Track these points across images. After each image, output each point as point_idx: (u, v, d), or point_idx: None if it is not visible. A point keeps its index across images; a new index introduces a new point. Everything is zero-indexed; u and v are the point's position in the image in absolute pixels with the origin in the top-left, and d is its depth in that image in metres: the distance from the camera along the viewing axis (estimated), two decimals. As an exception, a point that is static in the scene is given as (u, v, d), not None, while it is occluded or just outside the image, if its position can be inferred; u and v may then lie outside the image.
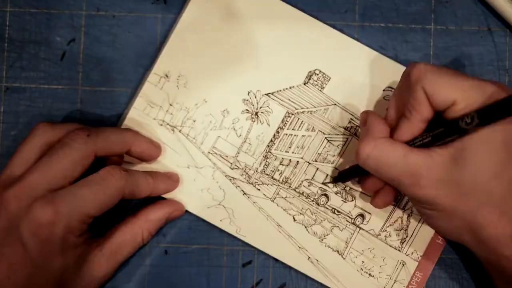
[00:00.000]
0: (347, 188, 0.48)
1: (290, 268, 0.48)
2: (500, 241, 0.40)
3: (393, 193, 0.45)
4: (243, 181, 0.48)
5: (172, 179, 0.47)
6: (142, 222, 0.45)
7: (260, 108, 0.49)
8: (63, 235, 0.41)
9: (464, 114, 0.39)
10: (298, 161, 0.49)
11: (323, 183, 0.48)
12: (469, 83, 0.40)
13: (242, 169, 0.48)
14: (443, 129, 0.40)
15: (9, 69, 0.49)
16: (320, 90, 0.48)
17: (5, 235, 0.40)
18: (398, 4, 0.50)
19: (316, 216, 0.48)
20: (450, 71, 0.41)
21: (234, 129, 0.49)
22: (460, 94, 0.39)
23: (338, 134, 0.48)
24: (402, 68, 0.48)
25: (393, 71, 0.48)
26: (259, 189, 0.48)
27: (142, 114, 0.48)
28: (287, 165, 0.49)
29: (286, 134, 0.49)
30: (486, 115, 0.38)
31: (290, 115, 0.49)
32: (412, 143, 0.42)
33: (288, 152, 0.49)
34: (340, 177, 0.48)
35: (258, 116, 0.49)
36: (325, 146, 0.48)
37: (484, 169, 0.39)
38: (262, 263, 0.48)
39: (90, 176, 0.42)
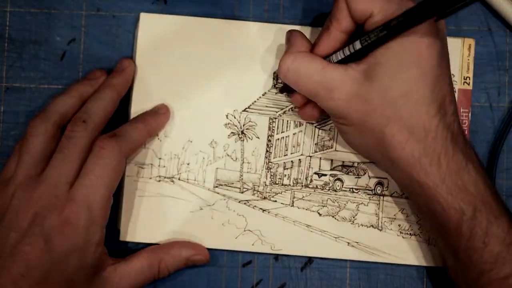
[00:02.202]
0: (356, 164, 0.49)
1: (290, 267, 0.48)
2: (409, 163, 0.40)
3: (317, 108, 0.45)
4: (257, 200, 0.48)
5: (161, 112, 0.48)
6: (163, 253, 0.45)
7: (243, 126, 0.49)
8: (86, 228, 0.41)
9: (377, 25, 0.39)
10: (299, 159, 0.49)
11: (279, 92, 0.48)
12: None
13: (252, 189, 0.48)
14: (357, 41, 0.40)
15: (9, 69, 0.49)
16: (291, 85, 0.49)
17: (26, 233, 0.41)
18: None
19: (338, 202, 0.48)
20: None
21: (228, 155, 0.48)
22: (378, 6, 0.40)
23: (325, 119, 0.49)
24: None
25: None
26: (275, 201, 0.48)
27: (137, 179, 0.48)
28: (291, 167, 0.49)
29: (278, 139, 0.49)
30: (394, 24, 0.38)
31: (274, 120, 0.49)
32: (330, 58, 0.42)
33: (287, 155, 0.49)
34: (284, 89, 0.48)
35: (245, 134, 0.49)
36: (318, 135, 0.49)
37: (393, 85, 0.39)
38: (262, 263, 0.48)
39: (88, 160, 0.43)
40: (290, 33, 0.45)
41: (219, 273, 0.48)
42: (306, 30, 0.48)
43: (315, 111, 0.46)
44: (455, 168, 0.40)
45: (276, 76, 0.49)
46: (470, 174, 0.40)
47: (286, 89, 0.47)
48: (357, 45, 0.40)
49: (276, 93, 0.48)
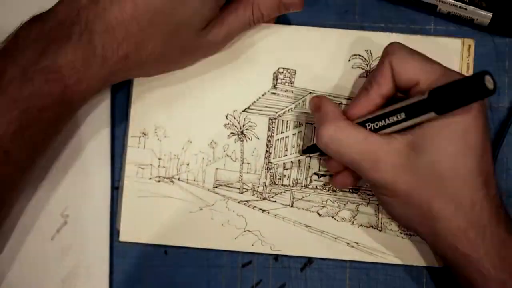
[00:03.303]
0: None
1: (290, 268, 0.48)
2: (455, 235, 0.40)
3: (352, 176, 0.45)
4: (257, 200, 0.48)
5: None
6: None
7: (243, 126, 0.49)
8: None
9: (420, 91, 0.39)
10: (299, 160, 0.49)
11: (301, 154, 0.48)
12: (436, 67, 0.40)
13: (251, 189, 0.48)
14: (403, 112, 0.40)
15: None
16: (291, 85, 0.49)
17: None
18: (398, 4, 0.50)
19: (338, 202, 0.48)
20: (422, 55, 0.41)
21: (227, 155, 0.48)
22: (425, 75, 0.40)
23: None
24: (356, 33, 0.49)
25: (350, 38, 0.49)
26: (275, 201, 0.48)
27: (136, 179, 0.48)
28: (291, 168, 0.49)
29: (278, 140, 0.49)
30: (438, 95, 0.37)
31: (274, 120, 0.49)
32: (366, 123, 0.41)
33: (286, 155, 0.49)
34: (308, 150, 0.47)
35: (244, 134, 0.49)
36: (318, 135, 0.49)
37: (441, 159, 0.39)
38: (262, 264, 0.48)
39: None
40: (318, 99, 0.44)
41: (219, 273, 0.48)
42: (300, 30, 0.49)
43: (350, 179, 0.45)
44: (498, 240, 0.40)
45: (275, 77, 0.49)
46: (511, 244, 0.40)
47: (311, 151, 0.47)
48: (403, 115, 0.40)
49: (300, 154, 0.48)
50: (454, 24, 0.50)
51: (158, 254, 0.48)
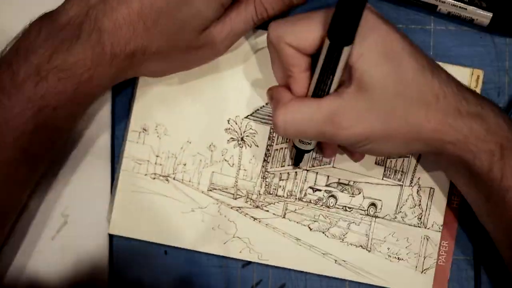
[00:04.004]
0: (351, 183, 0.48)
1: (290, 268, 0.48)
2: (437, 131, 0.41)
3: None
4: (249, 208, 0.48)
5: None
6: None
7: (244, 132, 0.49)
8: None
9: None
10: (296, 172, 0.49)
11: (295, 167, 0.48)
12: (318, 19, 0.39)
13: (245, 196, 0.48)
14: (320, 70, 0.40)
15: None
16: (296, 97, 0.48)
17: None
18: (398, 4, 0.50)
19: (330, 219, 0.48)
20: (296, 17, 0.41)
21: (225, 160, 0.48)
22: (323, 31, 0.39)
23: None
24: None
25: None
26: (267, 210, 0.48)
27: (132, 174, 0.48)
28: (287, 179, 0.49)
29: (277, 150, 0.49)
30: (334, 32, 0.37)
31: (275, 130, 0.49)
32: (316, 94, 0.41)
33: (283, 166, 0.49)
34: (296, 160, 0.47)
35: (244, 140, 0.49)
36: (317, 150, 0.48)
37: (387, 80, 0.39)
38: (262, 264, 0.48)
39: None
40: (271, 90, 0.44)
41: (219, 274, 0.48)
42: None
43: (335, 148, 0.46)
44: (475, 113, 0.41)
45: (281, 87, 0.48)
46: (489, 115, 0.41)
47: (299, 158, 0.47)
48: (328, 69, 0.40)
49: (295, 168, 0.49)
50: (454, 24, 0.50)
51: (158, 254, 0.48)
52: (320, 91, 0.41)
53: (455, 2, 0.48)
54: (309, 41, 0.40)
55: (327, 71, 0.39)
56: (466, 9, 0.48)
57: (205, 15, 0.42)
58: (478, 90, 0.48)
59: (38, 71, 0.39)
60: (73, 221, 0.48)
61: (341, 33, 0.37)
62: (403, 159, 0.48)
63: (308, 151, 0.46)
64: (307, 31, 0.40)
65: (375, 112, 0.40)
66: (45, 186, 0.47)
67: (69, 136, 0.46)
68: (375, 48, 0.39)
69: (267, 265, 0.48)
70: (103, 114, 0.48)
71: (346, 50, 0.38)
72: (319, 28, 0.39)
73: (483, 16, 0.48)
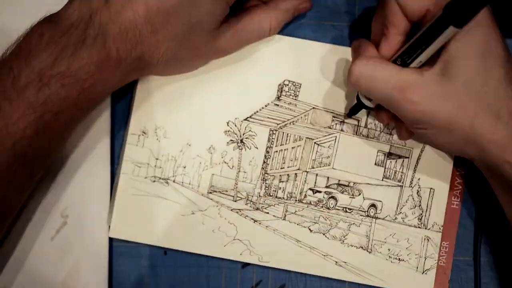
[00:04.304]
0: (351, 184, 0.48)
1: (286, 269, 0.48)
2: (499, 146, 0.40)
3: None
4: (249, 210, 0.48)
5: None
6: (271, 9, 0.46)
7: (243, 134, 0.49)
8: None
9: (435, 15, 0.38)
10: (296, 174, 0.49)
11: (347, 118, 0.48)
12: None
13: (245, 198, 0.48)
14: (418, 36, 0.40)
15: None
16: (295, 99, 0.49)
17: None
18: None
19: (330, 220, 0.48)
20: None
21: (225, 162, 0.48)
22: (431, 2, 0.40)
23: (325, 135, 0.48)
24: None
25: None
26: (267, 212, 0.48)
27: (132, 177, 0.48)
28: (287, 181, 0.49)
29: (276, 151, 0.49)
30: (451, 8, 0.37)
31: (274, 132, 0.49)
32: (398, 61, 0.42)
33: (283, 168, 0.49)
34: (352, 112, 0.47)
35: (244, 143, 0.49)
36: (317, 151, 0.48)
37: (472, 78, 0.40)
38: (262, 264, 0.48)
39: None
40: (358, 40, 0.45)
41: (219, 274, 0.48)
42: (310, 44, 0.49)
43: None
44: None
45: (280, 88, 0.48)
46: None
47: (355, 111, 0.47)
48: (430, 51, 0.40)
49: (344, 118, 0.49)
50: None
51: (158, 254, 0.48)
52: (406, 58, 0.41)
53: None
54: (418, 5, 0.40)
55: (422, 42, 0.39)
56: None
57: (214, 16, 0.42)
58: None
59: (40, 77, 0.38)
60: (73, 221, 0.48)
61: (459, 12, 0.36)
62: (403, 160, 0.48)
63: (367, 108, 0.46)
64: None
65: (449, 101, 0.40)
66: (45, 186, 0.47)
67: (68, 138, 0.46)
68: (476, 43, 0.39)
69: (267, 266, 0.48)
70: (103, 115, 0.48)
71: (451, 30, 0.38)
72: (434, 1, 0.40)
73: None
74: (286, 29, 0.49)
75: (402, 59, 0.41)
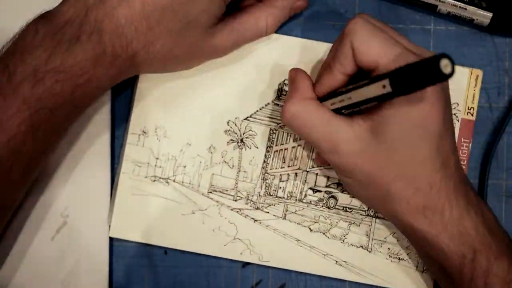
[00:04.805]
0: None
1: (286, 269, 0.48)
2: (412, 215, 0.41)
3: None
4: (250, 209, 0.48)
5: None
6: (267, 7, 0.46)
7: (243, 134, 0.49)
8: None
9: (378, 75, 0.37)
10: (296, 173, 0.49)
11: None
12: (397, 52, 0.39)
13: (245, 198, 0.48)
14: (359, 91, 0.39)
15: None
16: (295, 98, 0.49)
17: None
18: (398, 4, 0.50)
19: (330, 220, 0.48)
20: (388, 34, 0.40)
21: (225, 162, 0.48)
22: (384, 61, 0.39)
23: None
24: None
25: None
26: (267, 212, 0.48)
27: (132, 177, 0.48)
28: (287, 180, 0.49)
29: (277, 151, 0.49)
30: (394, 77, 0.35)
31: (274, 131, 0.49)
32: (329, 101, 0.41)
33: (283, 167, 0.49)
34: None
35: (244, 142, 0.49)
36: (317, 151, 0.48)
37: (399, 146, 0.39)
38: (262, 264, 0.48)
39: None
40: (294, 73, 0.44)
41: (219, 274, 0.48)
42: (309, 44, 0.49)
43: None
44: (457, 215, 0.40)
45: (280, 88, 0.49)
46: (471, 218, 0.41)
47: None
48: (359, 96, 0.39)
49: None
50: (454, 24, 0.50)
51: (158, 254, 0.48)
52: (339, 105, 0.41)
53: (455, 2, 0.48)
54: (369, 57, 0.39)
55: (362, 101, 0.39)
56: (466, 9, 0.48)
57: (210, 13, 0.42)
58: (477, 90, 0.48)
59: (35, 73, 0.38)
60: (73, 221, 0.48)
61: (402, 82, 0.35)
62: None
63: None
64: (379, 47, 0.39)
65: (372, 160, 0.40)
66: (45, 186, 0.47)
67: (66, 135, 0.45)
68: (413, 115, 0.39)
69: (267, 266, 0.48)
70: (103, 114, 0.48)
71: (387, 91, 0.36)
72: (389, 55, 0.39)
73: (483, 16, 0.48)
74: (286, 29, 0.49)
75: (334, 106, 0.41)
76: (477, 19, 0.48)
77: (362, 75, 0.41)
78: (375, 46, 0.39)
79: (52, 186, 0.48)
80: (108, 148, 0.48)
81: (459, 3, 0.48)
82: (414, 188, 0.40)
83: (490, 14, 0.48)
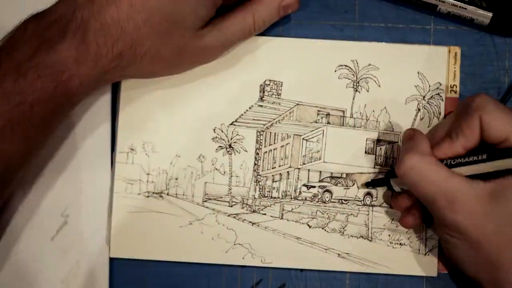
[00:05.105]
0: (344, 175, 0.48)
1: (290, 268, 0.48)
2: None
3: (420, 215, 0.45)
4: (246, 213, 0.48)
5: None
6: (254, 5, 0.45)
7: (231, 139, 0.48)
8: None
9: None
10: (288, 172, 0.49)
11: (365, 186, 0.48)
12: None
13: (241, 202, 0.48)
14: (485, 156, 0.40)
15: None
16: (278, 97, 0.49)
17: None
18: (398, 4, 0.50)
19: (327, 213, 0.48)
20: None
21: (216, 169, 0.48)
22: None
23: (312, 130, 0.48)
24: (341, 43, 0.49)
25: (336, 49, 0.49)
26: (264, 214, 0.48)
27: (126, 195, 0.48)
28: (280, 180, 0.49)
29: (266, 152, 0.49)
30: None
31: (261, 132, 0.49)
32: (448, 163, 0.42)
33: (275, 167, 0.49)
34: (373, 183, 0.48)
35: (232, 147, 0.49)
36: (306, 147, 0.49)
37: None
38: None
39: None
40: (413, 132, 0.44)
41: (219, 273, 0.48)
42: (286, 41, 0.49)
43: (418, 220, 0.46)
44: None
45: (262, 89, 0.48)
46: None
47: (376, 184, 0.47)
48: (484, 156, 0.40)
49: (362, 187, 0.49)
50: (454, 24, 0.50)
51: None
52: (458, 162, 0.41)
53: (455, 2, 0.48)
54: (500, 131, 0.40)
55: (480, 154, 0.40)
56: (466, 9, 0.48)
57: (198, 14, 0.42)
58: (457, 67, 0.48)
59: (18, 68, 0.39)
60: (73, 221, 0.48)
61: None
62: (392, 145, 0.49)
63: (391, 189, 0.46)
64: (505, 125, 0.40)
65: (486, 222, 0.40)
66: (45, 186, 0.47)
67: (52, 135, 0.44)
68: None
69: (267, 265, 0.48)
70: (103, 113, 0.48)
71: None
72: None
73: (483, 16, 0.48)
74: (286, 29, 0.49)
75: (451, 162, 0.42)
76: (477, 19, 0.48)
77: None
78: (505, 120, 0.40)
79: (52, 186, 0.48)
80: (108, 148, 0.48)
81: (459, 3, 0.48)
82: None
83: (490, 14, 0.47)
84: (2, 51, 0.40)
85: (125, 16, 0.40)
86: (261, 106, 0.48)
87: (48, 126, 0.42)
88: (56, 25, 0.40)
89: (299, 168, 0.49)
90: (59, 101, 0.40)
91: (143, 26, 0.40)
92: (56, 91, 0.39)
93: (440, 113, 0.48)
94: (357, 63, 0.48)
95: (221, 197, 0.48)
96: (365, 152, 0.49)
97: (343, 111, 0.49)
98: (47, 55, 0.39)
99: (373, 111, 0.48)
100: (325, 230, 0.48)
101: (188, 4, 0.41)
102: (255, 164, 0.49)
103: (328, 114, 0.48)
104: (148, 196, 0.48)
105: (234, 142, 0.48)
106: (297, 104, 0.49)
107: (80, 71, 0.40)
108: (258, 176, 0.49)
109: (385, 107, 0.48)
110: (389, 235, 0.48)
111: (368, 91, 0.48)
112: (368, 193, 0.48)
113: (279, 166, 0.49)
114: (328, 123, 0.49)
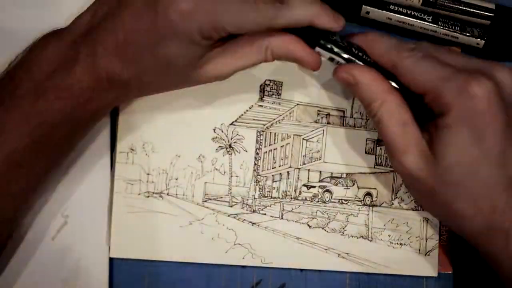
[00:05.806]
0: (344, 175, 0.48)
1: (290, 268, 0.48)
2: (476, 237, 0.41)
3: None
4: (246, 213, 0.48)
5: None
6: (271, 36, 0.41)
7: (231, 139, 0.49)
8: (189, 31, 0.38)
9: None
10: (288, 172, 0.49)
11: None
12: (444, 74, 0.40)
13: (241, 202, 0.48)
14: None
15: None
16: (278, 97, 0.49)
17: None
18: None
19: (327, 213, 0.48)
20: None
21: (216, 169, 0.48)
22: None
23: (312, 130, 0.48)
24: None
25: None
26: (264, 214, 0.48)
27: (126, 195, 0.48)
28: (280, 180, 0.49)
29: (266, 152, 0.49)
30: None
31: (261, 132, 0.49)
32: None
33: (275, 167, 0.49)
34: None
35: (232, 147, 0.49)
36: (306, 147, 0.49)
37: (457, 167, 0.39)
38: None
39: None
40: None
41: (219, 273, 0.48)
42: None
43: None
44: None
45: (262, 89, 0.49)
46: None
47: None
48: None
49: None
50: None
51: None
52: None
53: (447, 31, 0.48)
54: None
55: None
56: (457, 37, 0.48)
57: (189, 56, 0.40)
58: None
59: (37, 88, 0.39)
60: (73, 221, 0.47)
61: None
62: (392, 145, 0.48)
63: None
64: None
65: (431, 177, 0.40)
66: (45, 186, 0.47)
67: (71, 152, 0.45)
68: (468, 130, 0.39)
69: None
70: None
71: None
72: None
73: (476, 42, 0.48)
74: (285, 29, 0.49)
75: None
76: (470, 45, 0.48)
77: None
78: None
79: (53, 186, 0.47)
80: (108, 148, 0.48)
81: (451, 32, 0.47)
82: (476, 209, 0.40)
83: (482, 41, 0.47)
84: (21, 70, 0.40)
85: (123, 49, 0.39)
86: (261, 106, 0.49)
87: (68, 145, 0.43)
88: (74, 46, 0.39)
89: (299, 168, 0.49)
90: (78, 122, 0.41)
91: (139, 61, 0.40)
92: (75, 113, 0.40)
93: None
94: (357, 63, 0.48)
95: (221, 197, 0.48)
96: (365, 152, 0.49)
97: (343, 111, 0.49)
98: (64, 77, 0.39)
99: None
100: (325, 230, 0.48)
101: (174, 49, 0.39)
102: (255, 164, 0.49)
103: (328, 114, 0.48)
104: (148, 196, 0.48)
105: (234, 142, 0.49)
106: (297, 104, 0.49)
107: (96, 95, 0.40)
108: (258, 176, 0.49)
109: (385, 107, 0.48)
110: (389, 235, 0.48)
111: (368, 91, 0.48)
112: (368, 193, 0.48)
113: (279, 166, 0.49)
114: (328, 123, 0.49)
